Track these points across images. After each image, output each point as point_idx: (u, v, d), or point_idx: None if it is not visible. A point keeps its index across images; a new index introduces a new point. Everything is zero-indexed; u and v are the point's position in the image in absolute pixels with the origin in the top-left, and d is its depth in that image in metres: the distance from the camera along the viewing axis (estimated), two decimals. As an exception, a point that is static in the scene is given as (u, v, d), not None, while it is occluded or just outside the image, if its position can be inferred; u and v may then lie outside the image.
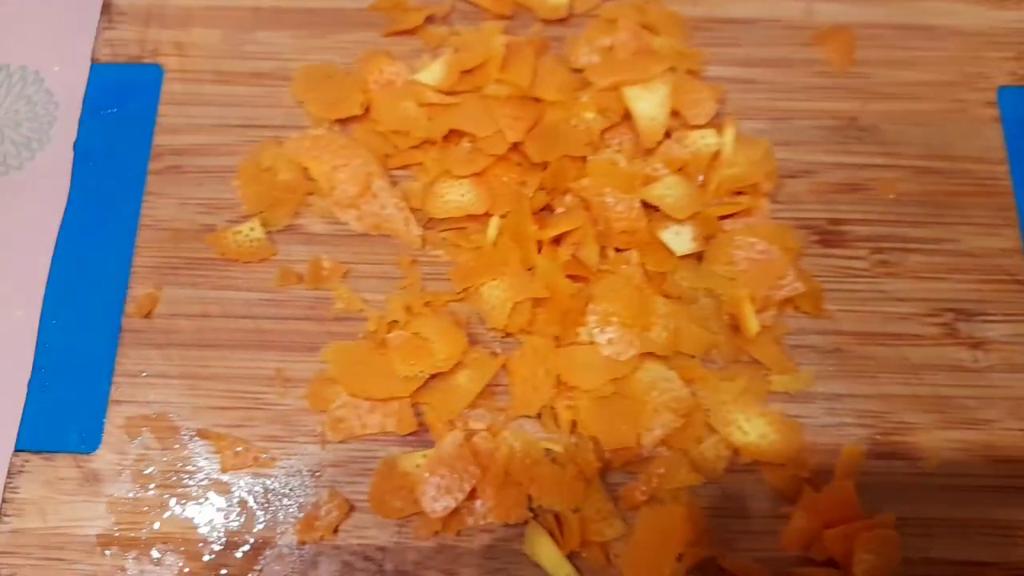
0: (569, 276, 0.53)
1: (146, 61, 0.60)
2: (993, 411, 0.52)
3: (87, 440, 0.51)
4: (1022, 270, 0.56)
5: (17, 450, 0.51)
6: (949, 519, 0.50)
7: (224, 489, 0.50)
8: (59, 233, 0.55)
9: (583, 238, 0.53)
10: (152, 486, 0.50)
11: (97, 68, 0.60)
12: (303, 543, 0.49)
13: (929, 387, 0.53)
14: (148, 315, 0.54)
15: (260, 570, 0.48)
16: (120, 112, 0.59)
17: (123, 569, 0.48)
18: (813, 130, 0.59)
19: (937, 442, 0.52)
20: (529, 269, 0.53)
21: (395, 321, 0.53)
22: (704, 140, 0.56)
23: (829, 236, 0.56)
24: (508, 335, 0.53)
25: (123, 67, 0.60)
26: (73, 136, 0.58)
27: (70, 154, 0.58)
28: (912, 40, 0.61)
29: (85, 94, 0.59)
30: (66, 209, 0.56)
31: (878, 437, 0.52)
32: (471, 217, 0.55)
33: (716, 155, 0.56)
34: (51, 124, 0.61)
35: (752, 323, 0.53)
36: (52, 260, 0.55)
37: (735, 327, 0.53)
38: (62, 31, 0.64)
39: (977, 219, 0.57)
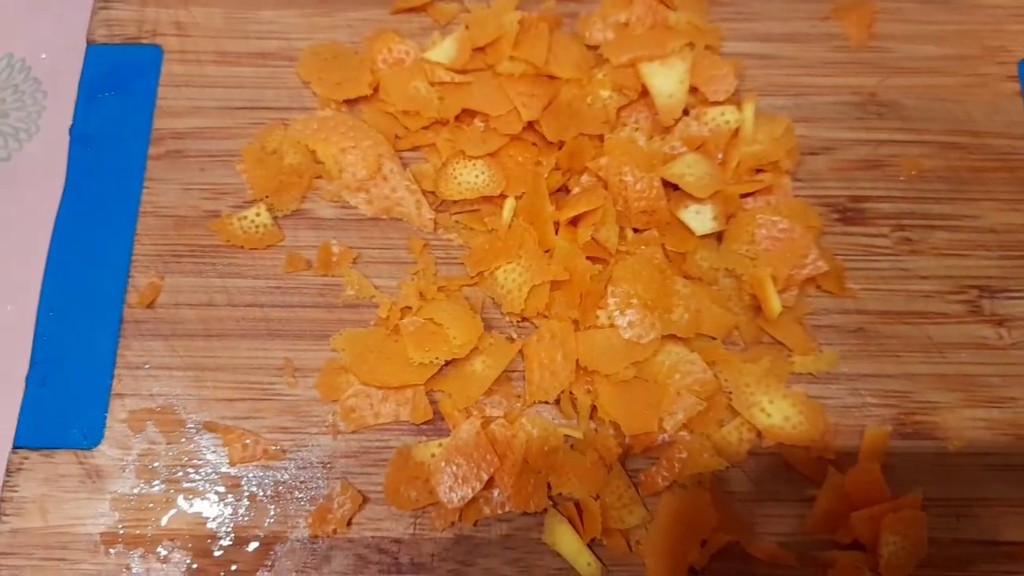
0: (588, 258, 0.51)
1: (144, 42, 0.57)
2: (1018, 389, 0.50)
3: (89, 435, 0.48)
4: (1047, 246, 0.54)
5: (16, 447, 0.49)
6: (976, 499, 0.48)
7: (233, 483, 0.48)
8: (56, 222, 0.53)
9: (602, 218, 0.51)
10: (157, 481, 0.48)
11: (93, 50, 0.57)
12: (315, 537, 0.46)
13: (953, 366, 0.51)
14: (151, 305, 0.51)
15: (271, 565, 0.46)
16: (118, 95, 0.56)
17: (128, 568, 0.46)
18: (833, 106, 0.57)
19: (962, 421, 0.50)
20: (546, 251, 0.51)
21: (408, 307, 0.51)
22: (723, 117, 0.54)
23: (850, 214, 0.54)
24: (524, 320, 0.51)
25: (120, 48, 0.57)
26: (64, 124, 0.56)
27: (61, 143, 0.55)
28: (932, 13, 0.59)
29: (81, 77, 0.56)
30: (63, 196, 0.53)
31: (903, 417, 0.50)
32: (485, 199, 0.53)
33: (736, 132, 0.54)
34: (40, 113, 0.59)
35: (774, 303, 0.50)
36: (49, 250, 0.53)
37: (757, 308, 0.51)
38: (48, 17, 0.61)
39: (1000, 194, 0.55)
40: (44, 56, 0.60)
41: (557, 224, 0.51)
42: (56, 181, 0.54)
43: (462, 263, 0.52)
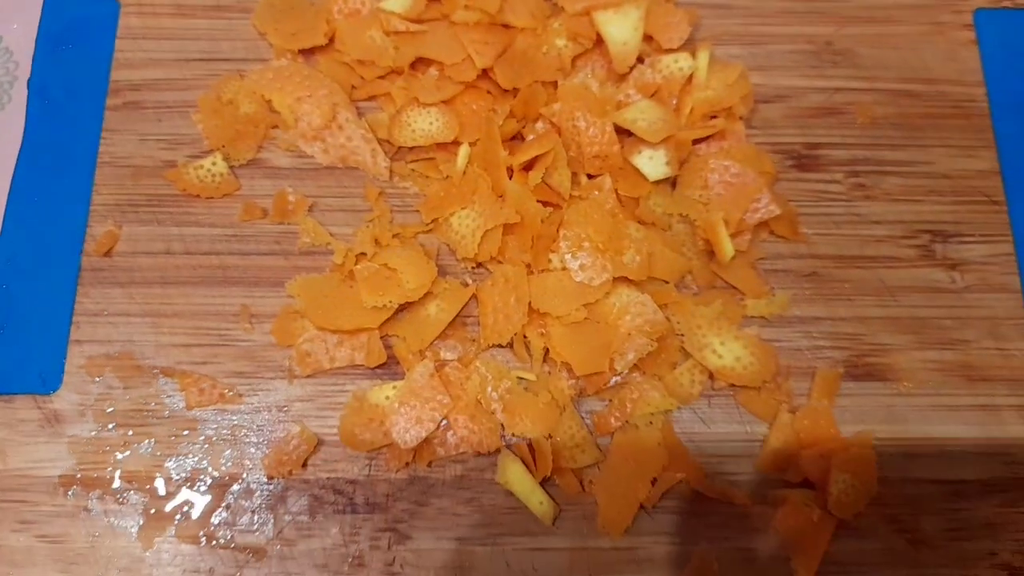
0: (540, 202, 0.50)
1: (102, -5, 0.57)
2: (970, 331, 0.50)
3: (47, 381, 0.48)
4: (998, 191, 0.53)
5: (-25, 392, 0.48)
6: (927, 439, 0.48)
7: (190, 426, 0.47)
8: (14, 173, 0.52)
9: (555, 163, 0.50)
10: (114, 425, 0.47)
11: (50, 3, 0.56)
12: (271, 478, 0.46)
13: (906, 309, 0.50)
14: (108, 253, 0.50)
15: (227, 506, 0.46)
16: (75, 48, 0.55)
17: (87, 509, 0.46)
18: (788, 55, 0.56)
19: (914, 363, 0.49)
20: (500, 197, 0.50)
21: (363, 253, 0.50)
22: (677, 64, 0.53)
23: (805, 160, 0.53)
24: (479, 266, 0.50)
25: (77, 1, 0.56)
26: None
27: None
28: (887, -38, 0.58)
29: (38, 31, 0.55)
30: (21, 148, 0.52)
31: (854, 359, 0.49)
32: (440, 147, 0.52)
33: (690, 79, 0.53)
34: (12, 83, 0.57)
35: (727, 247, 0.50)
36: (8, 199, 0.52)
37: (710, 252, 0.51)
38: None
39: (954, 141, 0.54)
40: (16, 26, 0.59)
41: (511, 170, 0.51)
42: (18, 136, 0.53)
43: (418, 211, 0.51)
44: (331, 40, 0.54)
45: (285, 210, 0.51)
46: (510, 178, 0.50)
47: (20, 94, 0.56)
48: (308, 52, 0.55)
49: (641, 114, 0.51)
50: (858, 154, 0.54)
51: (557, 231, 0.49)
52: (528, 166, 0.51)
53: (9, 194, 0.52)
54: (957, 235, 0.52)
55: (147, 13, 0.56)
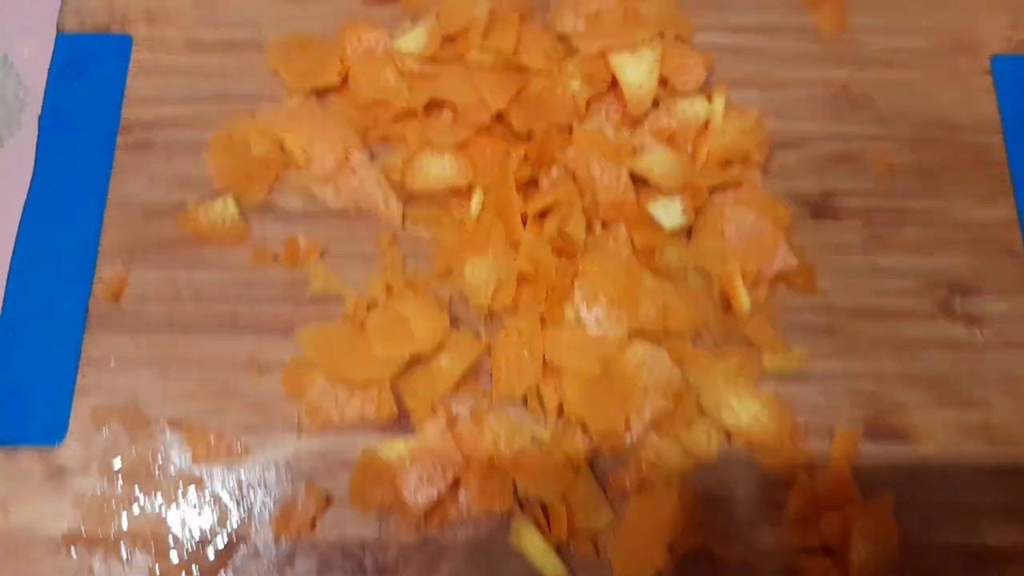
0: (555, 249, 0.44)
1: (114, 31, 0.50)
2: (991, 390, 0.44)
3: (51, 432, 0.42)
4: (1017, 242, 0.47)
5: (-23, 443, 0.42)
6: (948, 502, 0.42)
7: (196, 482, 0.41)
8: (23, 213, 0.46)
9: (569, 211, 0.44)
10: (120, 480, 0.41)
11: (63, 39, 0.49)
12: (279, 539, 0.40)
13: (925, 365, 0.44)
14: (116, 298, 0.44)
15: (234, 568, 0.40)
16: (87, 84, 0.48)
17: (90, 569, 0.40)
18: (805, 99, 0.49)
19: (934, 423, 0.43)
20: (514, 246, 0.44)
21: (374, 302, 0.44)
22: (693, 109, 0.47)
23: (821, 209, 0.47)
24: (492, 315, 0.44)
25: (90, 37, 0.49)
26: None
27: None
28: (904, 6, 0.52)
29: (50, 67, 0.49)
30: (30, 187, 0.46)
31: (873, 418, 0.43)
32: (454, 192, 0.46)
33: (705, 125, 0.47)
34: (21, 110, 0.51)
35: (743, 300, 0.44)
36: (15, 241, 0.45)
37: (726, 305, 0.45)
38: (32, 13, 0.53)
39: (972, 191, 0.48)
40: (27, 52, 0.52)
41: (525, 217, 0.45)
42: (28, 173, 0.47)
43: (430, 257, 0.45)
44: (345, 80, 0.48)
45: (296, 256, 0.45)
46: (524, 225, 0.45)
47: (31, 121, 0.50)
48: (322, 92, 0.48)
49: (656, 161, 0.45)
50: (875, 203, 0.47)
51: (572, 283, 0.43)
52: (543, 213, 0.45)
53: (17, 237, 0.45)
54: (976, 289, 0.46)
55: (159, 49, 0.49)
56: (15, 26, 0.53)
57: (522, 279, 0.43)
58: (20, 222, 0.46)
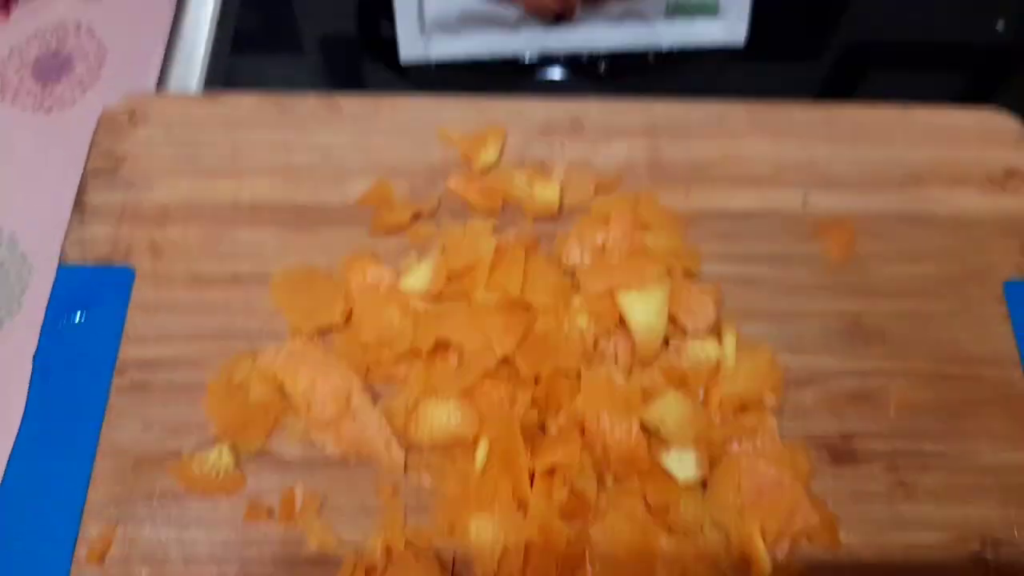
0: (565, 515, 0.42)
1: (117, 262, 0.49)
2: (1034, 662, 0.41)
3: None
4: (1048, 487, 0.45)
5: None
6: None
7: None
8: (8, 462, 0.44)
9: (579, 469, 0.42)
10: None
11: (64, 271, 0.49)
12: None
13: (962, 632, 0.42)
14: (100, 560, 0.42)
15: None
16: (85, 321, 0.48)
17: None
18: (817, 332, 0.48)
19: None
20: (521, 506, 0.42)
21: (373, 567, 0.41)
22: (704, 351, 0.46)
23: (841, 453, 0.45)
24: (499, 581, 0.42)
25: (92, 270, 0.49)
26: (44, 303, 0.47)
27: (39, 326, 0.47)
28: (911, 231, 0.51)
29: (49, 300, 0.48)
30: (18, 432, 0.45)
31: None
32: (459, 441, 0.44)
33: (717, 366, 0.46)
34: (23, 291, 0.50)
35: (764, 561, 0.41)
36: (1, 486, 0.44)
37: (745, 563, 0.42)
38: (41, 195, 0.53)
39: (996, 431, 0.46)
40: (35, 231, 0.52)
41: (532, 473, 0.43)
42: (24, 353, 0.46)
43: (433, 508, 0.43)
44: (348, 317, 0.48)
45: (292, 512, 0.43)
46: (531, 482, 0.43)
47: (32, 302, 0.48)
48: (325, 329, 0.48)
49: (668, 411, 0.44)
50: (896, 445, 0.45)
51: (583, 552, 0.41)
52: (551, 469, 0.43)
53: (3, 481, 0.44)
54: (1010, 542, 0.44)
55: (163, 283, 0.49)
56: (25, 208, 0.52)
57: (531, 546, 0.41)
58: (5, 474, 0.44)
